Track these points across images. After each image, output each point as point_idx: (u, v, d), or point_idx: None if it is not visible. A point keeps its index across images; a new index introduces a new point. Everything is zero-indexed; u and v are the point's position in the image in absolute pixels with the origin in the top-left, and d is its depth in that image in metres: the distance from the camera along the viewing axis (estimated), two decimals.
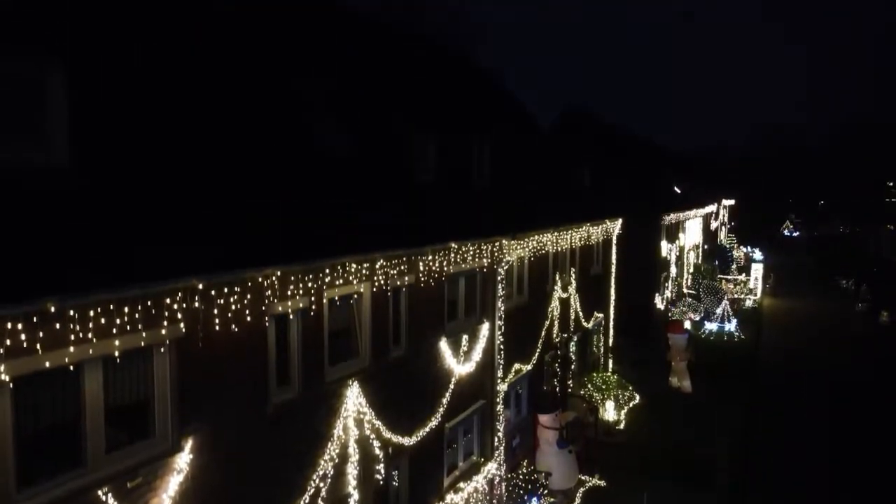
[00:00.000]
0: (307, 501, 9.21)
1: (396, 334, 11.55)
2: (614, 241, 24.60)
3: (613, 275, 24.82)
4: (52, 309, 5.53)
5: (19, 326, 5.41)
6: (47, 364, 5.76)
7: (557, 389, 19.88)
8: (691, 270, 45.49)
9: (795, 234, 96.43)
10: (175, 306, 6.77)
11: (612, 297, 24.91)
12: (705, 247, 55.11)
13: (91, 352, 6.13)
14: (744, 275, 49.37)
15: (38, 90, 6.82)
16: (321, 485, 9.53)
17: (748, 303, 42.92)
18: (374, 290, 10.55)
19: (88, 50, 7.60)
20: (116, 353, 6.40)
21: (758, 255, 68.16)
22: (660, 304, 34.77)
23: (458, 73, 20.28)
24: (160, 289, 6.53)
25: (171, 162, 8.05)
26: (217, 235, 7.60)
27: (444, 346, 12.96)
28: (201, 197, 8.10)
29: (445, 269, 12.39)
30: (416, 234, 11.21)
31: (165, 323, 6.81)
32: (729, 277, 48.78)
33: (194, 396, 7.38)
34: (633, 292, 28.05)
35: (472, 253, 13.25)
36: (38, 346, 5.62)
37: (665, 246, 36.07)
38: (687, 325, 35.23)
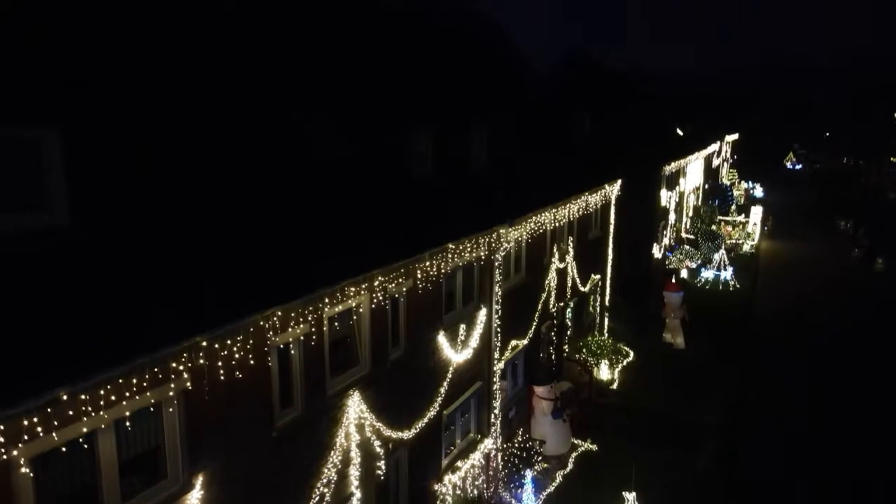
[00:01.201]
0: None
1: (395, 336, 11.86)
2: (613, 202, 24.61)
3: (612, 235, 24.99)
4: (65, 397, 5.78)
5: (35, 420, 5.68)
6: (62, 441, 6.07)
7: (553, 357, 20.45)
8: (690, 214, 45.57)
9: (798, 167, 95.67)
10: (180, 366, 7.02)
11: (610, 257, 25.18)
12: (706, 186, 54.91)
13: (103, 422, 6.44)
14: (743, 216, 49.50)
15: (34, 154, 6.83)
16: (325, 491, 10.08)
17: (746, 247, 43.23)
18: (373, 301, 10.78)
19: (83, 112, 7.55)
20: (127, 416, 6.71)
21: (759, 191, 68.06)
22: (657, 252, 35.06)
23: (454, 52, 19.73)
24: (166, 352, 6.76)
25: (163, 207, 8.12)
26: (216, 285, 7.75)
27: (441, 338, 13.32)
28: (197, 240, 8.21)
29: (443, 268, 12.58)
30: (413, 243, 11.32)
31: (172, 377, 7.09)
32: (728, 219, 48.93)
33: (202, 436, 7.74)
34: (632, 249, 28.27)
35: (469, 248, 13.40)
36: (52, 426, 5.91)
37: (665, 194, 36.04)
38: (684, 273, 35.81)
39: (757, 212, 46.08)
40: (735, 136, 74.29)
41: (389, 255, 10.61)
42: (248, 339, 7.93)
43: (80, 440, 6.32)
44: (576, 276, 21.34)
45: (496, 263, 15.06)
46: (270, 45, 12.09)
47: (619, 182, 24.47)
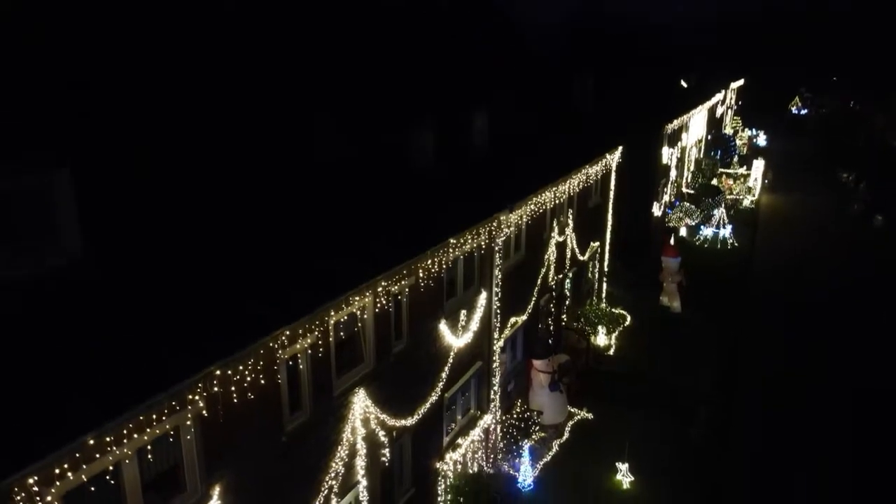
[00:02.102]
0: (322, 501, 10.40)
1: (398, 330, 12.27)
2: (613, 169, 24.66)
3: (611, 201, 25.14)
4: (91, 441, 6.20)
5: (65, 465, 6.11)
6: (90, 475, 6.52)
7: (551, 329, 20.97)
8: (692, 168, 45.45)
9: (804, 112, 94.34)
10: (196, 396, 7.43)
11: (609, 223, 25.41)
12: (708, 137, 54.49)
13: (126, 456, 6.89)
14: (744, 168, 49.37)
15: (46, 194, 7.05)
16: (333, 483, 10.68)
17: (746, 202, 43.35)
18: (377, 304, 11.13)
19: (89, 154, 7.72)
20: (148, 446, 7.16)
21: (762, 139, 67.49)
22: (657, 211, 35.23)
23: (452, 36, 19.43)
24: (182, 386, 7.15)
25: (167, 228, 8.38)
26: (225, 310, 8.07)
27: (443, 326, 13.74)
28: (203, 260, 8.50)
29: (445, 262, 12.88)
30: (414, 243, 11.58)
31: (189, 407, 7.51)
32: (730, 171, 48.84)
33: (217, 450, 8.23)
34: (631, 213, 28.45)
35: (470, 239, 13.66)
36: (80, 466, 6.35)
37: (666, 152, 35.92)
38: (683, 231, 36.08)
39: (759, 165, 45.97)
40: (740, 82, 73.11)
41: (391, 259, 10.88)
42: (259, 361, 8.32)
43: (107, 473, 6.77)
44: (575, 246, 21.63)
45: (497, 248, 15.34)
46: (259, 35, 12.08)
47: (620, 149, 24.46)
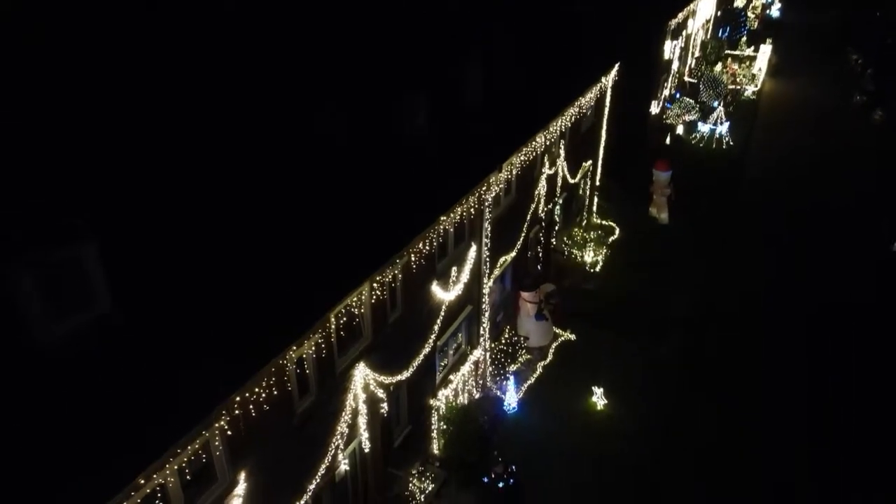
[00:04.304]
0: (329, 460, 12.24)
1: (393, 302, 13.53)
2: (609, 87, 24.67)
3: (606, 119, 25.36)
4: (142, 481, 7.70)
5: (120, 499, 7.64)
6: (141, 496, 8.11)
7: (540, 257, 22.21)
8: (696, 54, 44.35)
9: None
10: (223, 420, 8.87)
11: (603, 140, 25.78)
12: (717, 14, 52.36)
13: (168, 476, 8.44)
14: (752, 49, 48.08)
15: (79, 267, 8.06)
16: (339, 442, 12.48)
17: (748, 92, 42.84)
18: (373, 291, 12.30)
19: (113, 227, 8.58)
20: (185, 464, 8.71)
21: (776, 9, 64.55)
22: (655, 108, 35.17)
23: None
24: (210, 417, 8.56)
25: (178, 250, 9.42)
26: (237, 338, 9.29)
27: (435, 287, 14.98)
28: (212, 284, 9.60)
29: (436, 235, 13.85)
30: (407, 230, 12.49)
31: (216, 425, 8.98)
32: (736, 53, 47.62)
33: (240, 446, 9.82)
34: (627, 123, 28.58)
35: (460, 208, 14.51)
36: (131, 495, 7.90)
37: (669, 46, 35.16)
38: (680, 129, 36.23)
39: (765, 51, 44.83)
40: None
41: (386, 251, 11.88)
42: (271, 374, 9.68)
43: (154, 494, 8.36)
44: (566, 173, 22.29)
45: (486, 205, 16.19)
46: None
47: (616, 67, 24.29)
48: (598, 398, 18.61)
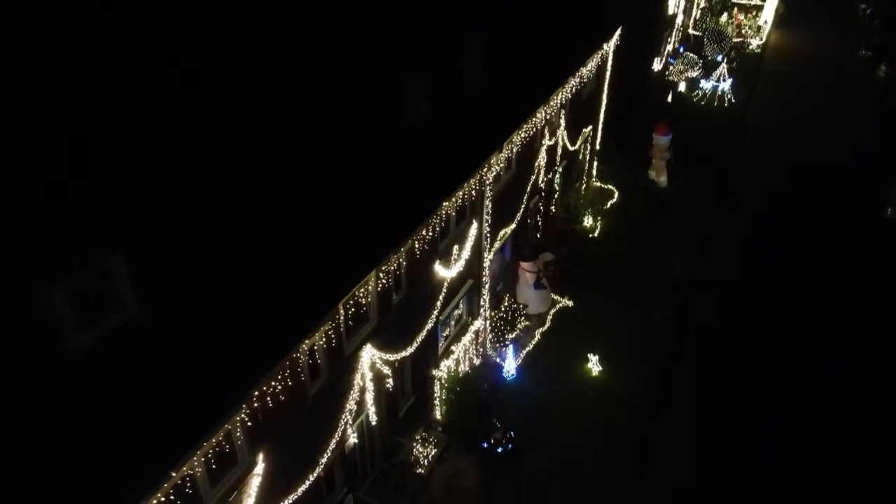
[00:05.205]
0: (339, 435, 13.11)
1: (397, 284, 14.16)
2: (611, 51, 24.62)
3: (607, 83, 25.40)
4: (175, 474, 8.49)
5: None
6: (175, 483, 8.95)
7: (539, 225, 22.71)
8: (702, 4, 43.63)
9: None
10: (243, 413, 9.64)
11: (604, 104, 25.87)
12: None
13: (197, 468, 9.25)
14: None
15: (110, 275, 8.65)
16: (348, 417, 13.33)
17: (753, 45, 42.36)
18: (379, 279, 12.91)
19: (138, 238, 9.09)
20: (209, 453, 9.51)
21: None
22: (658, 65, 34.97)
23: None
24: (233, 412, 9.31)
25: (199, 263, 10.00)
26: (253, 336, 9.94)
27: (437, 266, 15.58)
28: (228, 285, 10.21)
29: (438, 219, 14.34)
30: (408, 221, 12.99)
31: (237, 418, 9.75)
32: (742, 2, 46.78)
33: (258, 430, 10.63)
34: (628, 85, 28.54)
35: (463, 192, 14.96)
36: (167, 488, 8.73)
37: (673, 1, 34.73)
38: (682, 86, 36.08)
39: (771, 3, 44.06)
40: None
41: (390, 242, 12.42)
42: (286, 368, 10.39)
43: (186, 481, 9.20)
44: (566, 141, 22.56)
45: (487, 183, 16.61)
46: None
47: (618, 31, 24.19)
48: (594, 365, 19.47)
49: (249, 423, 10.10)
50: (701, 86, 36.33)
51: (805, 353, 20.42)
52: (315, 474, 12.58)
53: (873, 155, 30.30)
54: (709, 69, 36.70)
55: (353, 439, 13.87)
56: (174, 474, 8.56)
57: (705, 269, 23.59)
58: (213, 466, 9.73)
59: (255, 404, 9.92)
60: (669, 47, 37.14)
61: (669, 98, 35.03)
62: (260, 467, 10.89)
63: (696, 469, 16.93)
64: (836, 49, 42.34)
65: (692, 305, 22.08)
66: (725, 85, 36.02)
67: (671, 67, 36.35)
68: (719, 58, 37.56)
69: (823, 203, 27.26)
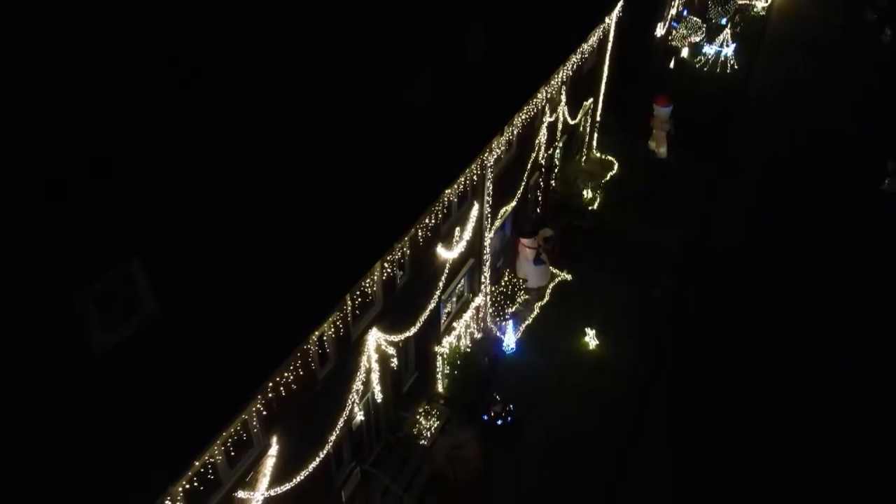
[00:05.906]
0: (347, 413, 13.81)
1: (401, 266, 14.65)
2: (613, 22, 24.51)
3: (608, 55, 25.36)
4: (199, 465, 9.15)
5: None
6: (198, 468, 9.63)
7: (539, 201, 23.05)
8: None
9: None
10: (258, 403, 10.27)
11: (605, 76, 25.88)
12: None
13: (216, 454, 9.92)
14: None
15: (130, 279, 9.15)
16: (355, 397, 14.01)
17: (758, 7, 41.81)
18: (384, 267, 13.39)
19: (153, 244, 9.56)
20: (228, 442, 10.17)
21: None
22: (661, 30, 34.69)
23: None
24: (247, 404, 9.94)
25: (212, 265, 10.49)
26: (266, 332, 10.48)
27: (440, 249, 16.05)
28: (236, 278, 10.72)
29: (440, 206, 14.75)
30: (412, 209, 13.38)
31: (252, 407, 10.38)
32: None
33: (271, 416, 11.29)
34: (629, 55, 28.44)
35: (465, 177, 15.31)
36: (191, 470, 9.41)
37: None
38: (685, 52, 35.84)
39: None
40: None
41: (393, 233, 12.85)
42: (297, 358, 10.98)
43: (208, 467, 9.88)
44: (567, 116, 22.70)
45: (488, 166, 16.94)
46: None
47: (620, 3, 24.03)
48: (591, 339, 20.12)
49: (264, 412, 10.74)
50: (704, 51, 36.08)
51: (804, 327, 20.98)
52: (325, 451, 13.32)
53: (875, 123, 30.34)
54: (712, 33, 36.38)
55: (359, 416, 14.59)
56: (196, 462, 9.21)
57: (704, 241, 24.00)
58: (231, 453, 10.41)
59: (270, 394, 10.54)
60: (673, 10, 36.75)
61: (672, 64, 34.86)
62: (274, 449, 11.60)
63: (692, 442, 17.70)
64: (845, 9, 41.67)
65: (691, 279, 22.57)
66: (729, 50, 35.75)
67: (674, 32, 36.04)
68: (724, 21, 37.20)
69: (824, 174, 27.42)
